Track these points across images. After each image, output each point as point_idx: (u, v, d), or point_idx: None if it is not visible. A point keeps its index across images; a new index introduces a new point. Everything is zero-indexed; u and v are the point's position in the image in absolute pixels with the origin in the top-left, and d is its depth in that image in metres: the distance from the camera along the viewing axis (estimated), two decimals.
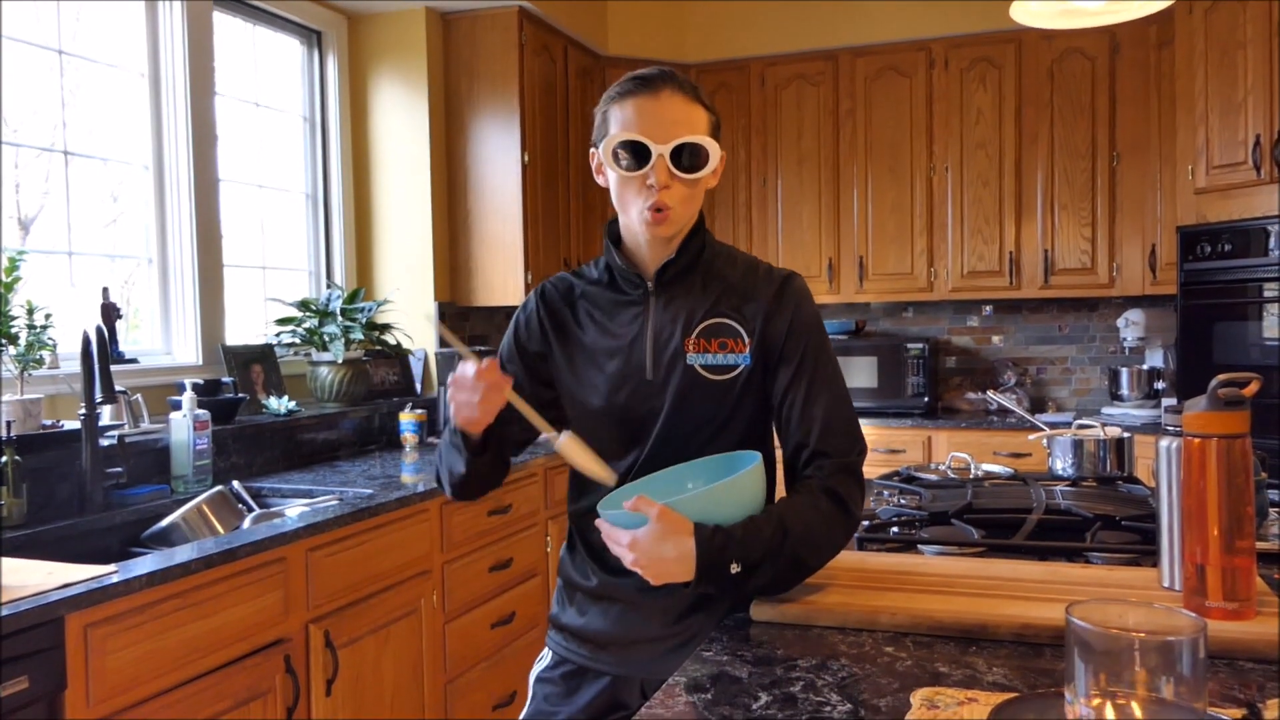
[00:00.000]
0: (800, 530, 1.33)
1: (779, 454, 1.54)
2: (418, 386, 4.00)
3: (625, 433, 1.51)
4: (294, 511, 2.52)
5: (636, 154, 1.40)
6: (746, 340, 1.47)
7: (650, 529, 1.27)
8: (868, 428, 1.53)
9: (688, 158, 1.41)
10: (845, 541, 1.42)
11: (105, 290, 2.84)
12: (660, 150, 1.39)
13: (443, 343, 3.98)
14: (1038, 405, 4.71)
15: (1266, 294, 3.50)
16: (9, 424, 2.32)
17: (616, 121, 1.42)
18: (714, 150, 1.43)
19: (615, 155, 1.42)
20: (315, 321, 3.46)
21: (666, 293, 1.51)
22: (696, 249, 1.51)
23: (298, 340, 3.45)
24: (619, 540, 1.30)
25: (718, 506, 1.29)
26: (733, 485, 1.29)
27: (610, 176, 1.47)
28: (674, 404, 1.47)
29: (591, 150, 1.51)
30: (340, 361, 3.43)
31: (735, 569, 1.27)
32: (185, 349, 3.24)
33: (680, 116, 1.41)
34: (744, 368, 1.46)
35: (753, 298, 1.49)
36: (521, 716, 1.64)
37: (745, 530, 1.29)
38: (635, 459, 1.50)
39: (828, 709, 1.04)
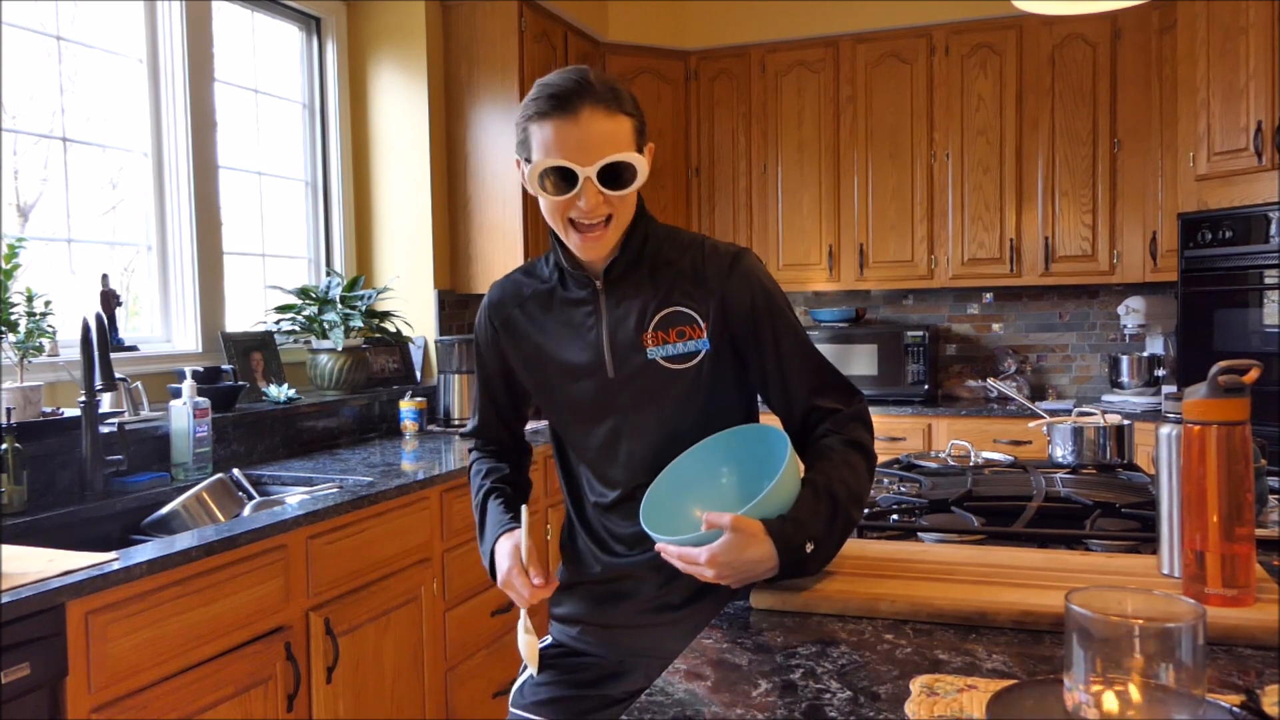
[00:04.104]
0: (844, 493, 1.36)
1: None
2: (418, 374, 4.01)
3: (602, 432, 1.51)
4: (294, 499, 2.52)
5: (562, 178, 1.38)
6: (703, 325, 1.46)
7: (728, 541, 1.27)
8: None
9: (614, 176, 1.38)
10: (872, 482, 1.47)
11: (105, 277, 2.83)
12: (586, 173, 1.36)
13: (442, 330, 3.98)
14: (1038, 393, 4.71)
15: (1267, 281, 3.50)
16: (9, 411, 2.32)
17: (538, 144, 1.38)
18: (640, 164, 1.40)
19: (541, 181, 1.40)
20: (315, 309, 3.46)
21: (617, 290, 1.50)
22: (639, 242, 1.49)
23: (297, 328, 3.45)
24: (696, 559, 1.29)
25: (776, 500, 1.32)
26: (786, 477, 1.32)
27: (540, 198, 1.44)
28: (642, 399, 1.47)
29: (516, 159, 1.46)
30: (340, 349, 3.43)
31: (810, 548, 1.31)
32: (185, 336, 3.23)
33: (602, 135, 1.36)
34: (705, 352, 1.46)
35: (704, 282, 1.47)
36: (516, 685, 1.65)
37: (806, 511, 1.33)
38: (625, 457, 1.50)
39: (827, 696, 1.04)
